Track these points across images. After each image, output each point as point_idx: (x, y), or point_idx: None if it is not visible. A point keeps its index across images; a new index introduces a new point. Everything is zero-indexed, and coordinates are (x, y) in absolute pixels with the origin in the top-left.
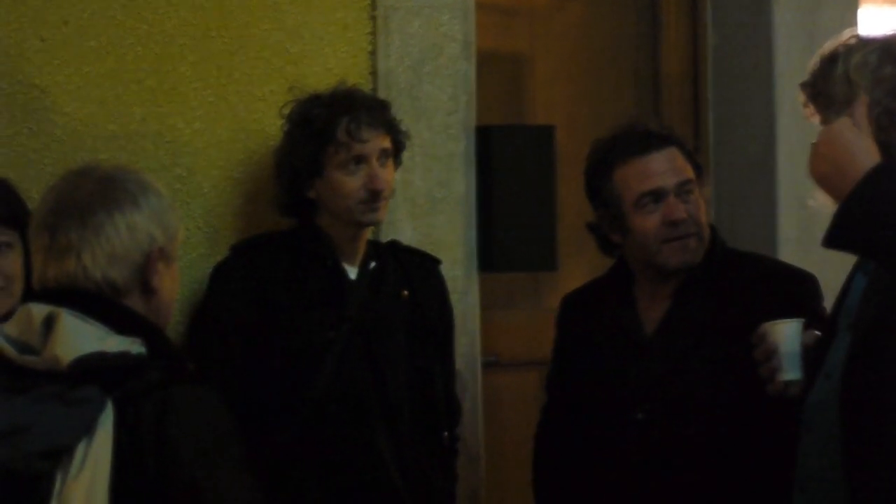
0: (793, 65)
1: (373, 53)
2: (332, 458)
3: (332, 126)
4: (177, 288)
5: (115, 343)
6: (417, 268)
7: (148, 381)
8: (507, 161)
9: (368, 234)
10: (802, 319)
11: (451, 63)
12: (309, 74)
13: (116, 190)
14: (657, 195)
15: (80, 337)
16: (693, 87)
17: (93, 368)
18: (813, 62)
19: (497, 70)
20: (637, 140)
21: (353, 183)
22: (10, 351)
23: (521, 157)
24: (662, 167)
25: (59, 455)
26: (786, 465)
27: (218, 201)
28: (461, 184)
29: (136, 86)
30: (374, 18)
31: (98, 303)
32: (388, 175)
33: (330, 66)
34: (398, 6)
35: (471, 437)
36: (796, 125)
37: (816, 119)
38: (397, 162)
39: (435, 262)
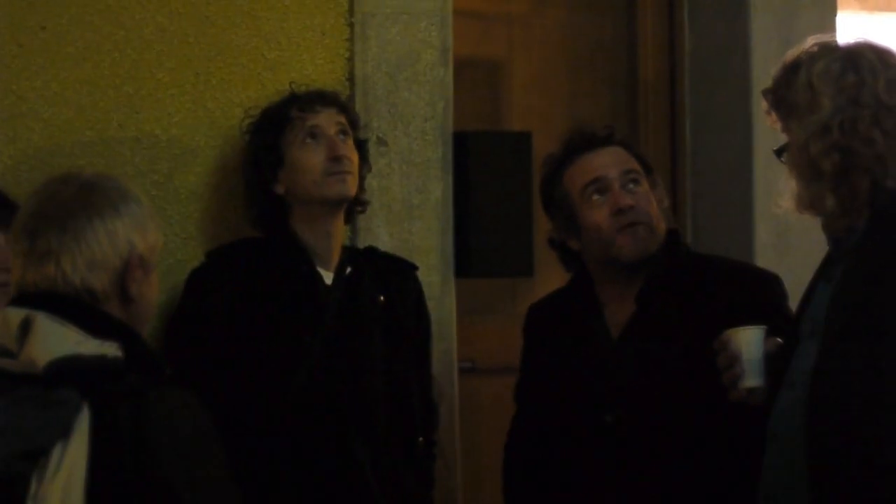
0: (770, 71)
1: (350, 60)
2: (308, 462)
3: (285, 109)
4: (156, 296)
5: (91, 346)
6: (394, 273)
7: (125, 384)
8: (484, 167)
9: (344, 239)
10: (765, 326)
11: (428, 69)
12: (286, 80)
13: (97, 196)
14: (601, 185)
15: (56, 340)
16: (670, 93)
17: (69, 371)
18: (776, 70)
19: (474, 76)
20: (581, 141)
21: (313, 157)
22: None
23: (498, 164)
24: (605, 161)
25: (36, 457)
26: (755, 466)
27: (195, 207)
28: (438, 190)
29: (114, 92)
30: (351, 25)
31: (75, 307)
32: (350, 151)
33: (307, 73)
34: (376, 12)
35: (448, 443)
36: (773, 131)
37: (779, 126)
38: (363, 155)
39: (412, 267)
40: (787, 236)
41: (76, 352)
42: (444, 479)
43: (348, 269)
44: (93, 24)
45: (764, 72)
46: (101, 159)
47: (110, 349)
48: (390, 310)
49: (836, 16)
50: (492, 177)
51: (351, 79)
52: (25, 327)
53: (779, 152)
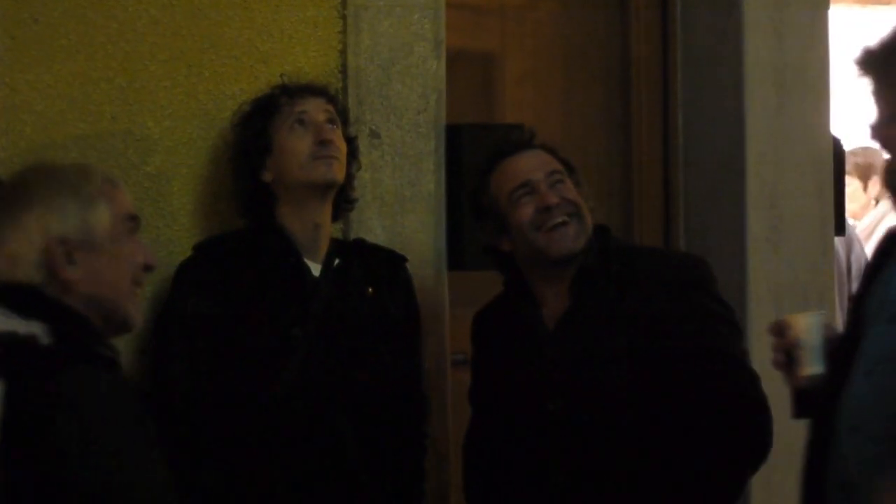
0: (762, 63)
1: (343, 52)
2: (296, 455)
3: (273, 97)
4: (112, 274)
5: (8, 324)
6: (383, 265)
7: (40, 362)
8: (477, 160)
9: (332, 231)
10: (824, 312)
11: (421, 62)
12: (279, 73)
13: (15, 194)
14: (528, 188)
15: None
16: (662, 85)
17: None
18: (886, 35)
19: (467, 69)
20: (503, 148)
21: (300, 142)
22: None
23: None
24: (529, 164)
25: None
26: (691, 448)
27: (187, 199)
28: (431, 182)
29: (107, 84)
30: (344, 17)
31: (9, 291)
32: (338, 139)
33: (300, 65)
34: (368, 5)
35: (439, 435)
36: (766, 123)
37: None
38: (352, 148)
39: (401, 259)
40: (780, 229)
41: None
42: (435, 470)
43: (336, 261)
44: (86, 16)
45: (756, 64)
46: (94, 152)
47: (28, 328)
48: (379, 302)
49: (828, 9)
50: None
51: (343, 71)
52: None
53: (876, 127)
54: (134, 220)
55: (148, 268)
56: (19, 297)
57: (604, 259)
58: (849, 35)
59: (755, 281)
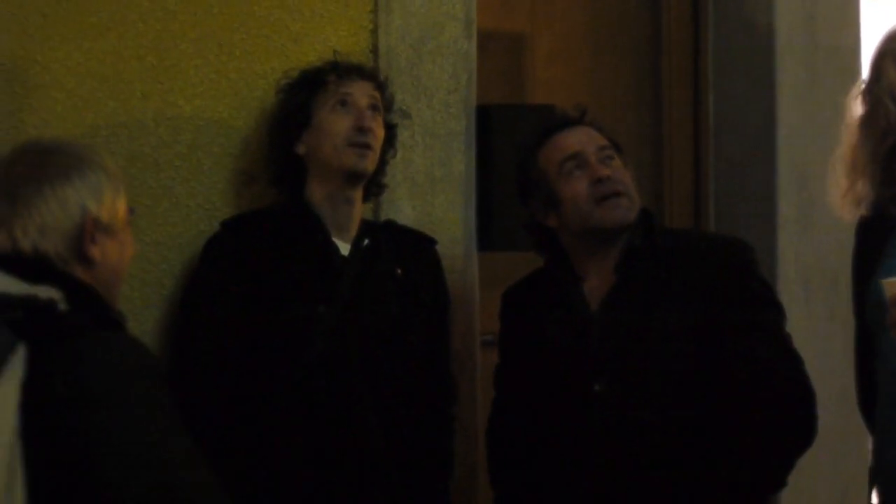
0: (793, 46)
1: (374, 31)
2: (321, 433)
3: (322, 73)
4: (126, 259)
5: (23, 288)
6: (412, 247)
7: (62, 326)
8: (507, 140)
9: (362, 211)
10: None
11: (451, 42)
12: (310, 52)
13: (48, 165)
14: (578, 160)
15: None
16: (693, 68)
17: None
18: None
19: (498, 49)
20: (552, 123)
21: (340, 122)
22: None
23: (522, 137)
24: (579, 138)
25: None
26: (738, 432)
27: (218, 178)
28: (461, 163)
29: (137, 62)
30: None
31: (17, 260)
32: (378, 126)
33: (331, 44)
34: None
35: (468, 416)
36: (796, 107)
37: None
38: (391, 135)
39: (430, 241)
40: (810, 210)
41: (5, 291)
42: (465, 452)
43: (366, 241)
44: None
45: (788, 47)
46: (125, 130)
47: (46, 292)
48: (407, 283)
49: None
50: (515, 150)
51: (374, 51)
52: None
53: None
54: (132, 213)
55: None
56: (31, 266)
57: (650, 239)
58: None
59: (784, 263)
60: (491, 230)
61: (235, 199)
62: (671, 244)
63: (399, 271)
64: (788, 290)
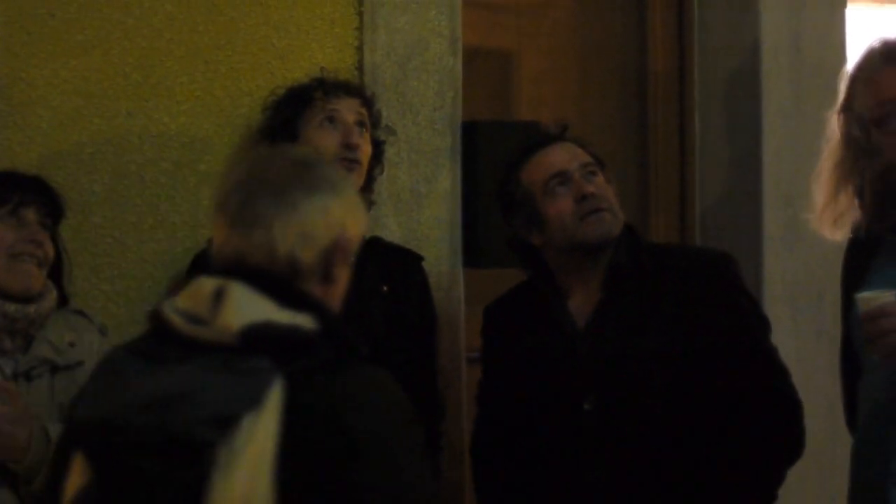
0: (779, 64)
1: (359, 48)
2: None
3: (309, 90)
4: (343, 291)
5: (285, 316)
6: (398, 264)
7: (320, 358)
8: (493, 157)
9: None
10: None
11: (437, 59)
12: (295, 69)
13: (314, 174)
14: (563, 178)
15: (250, 307)
16: (679, 85)
17: (263, 338)
18: None
19: (483, 66)
20: (534, 141)
21: (328, 139)
22: (180, 322)
23: (507, 154)
24: (562, 155)
25: (225, 424)
26: (727, 446)
27: (204, 195)
28: (447, 179)
29: (123, 80)
30: (360, 14)
31: (270, 279)
32: (365, 143)
33: (316, 61)
34: (385, 1)
35: (455, 433)
36: (782, 124)
37: None
38: (378, 152)
39: (418, 258)
40: (796, 228)
41: (271, 319)
42: (451, 469)
43: (351, 259)
44: (102, 12)
45: (773, 65)
46: (110, 147)
47: (305, 321)
48: (393, 300)
49: (845, 9)
50: (501, 167)
51: (360, 67)
52: (219, 295)
53: None
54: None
55: None
56: (287, 287)
57: (635, 255)
58: (866, 35)
59: (770, 280)
60: (477, 247)
61: None
62: (656, 259)
63: (385, 288)
64: (775, 308)
